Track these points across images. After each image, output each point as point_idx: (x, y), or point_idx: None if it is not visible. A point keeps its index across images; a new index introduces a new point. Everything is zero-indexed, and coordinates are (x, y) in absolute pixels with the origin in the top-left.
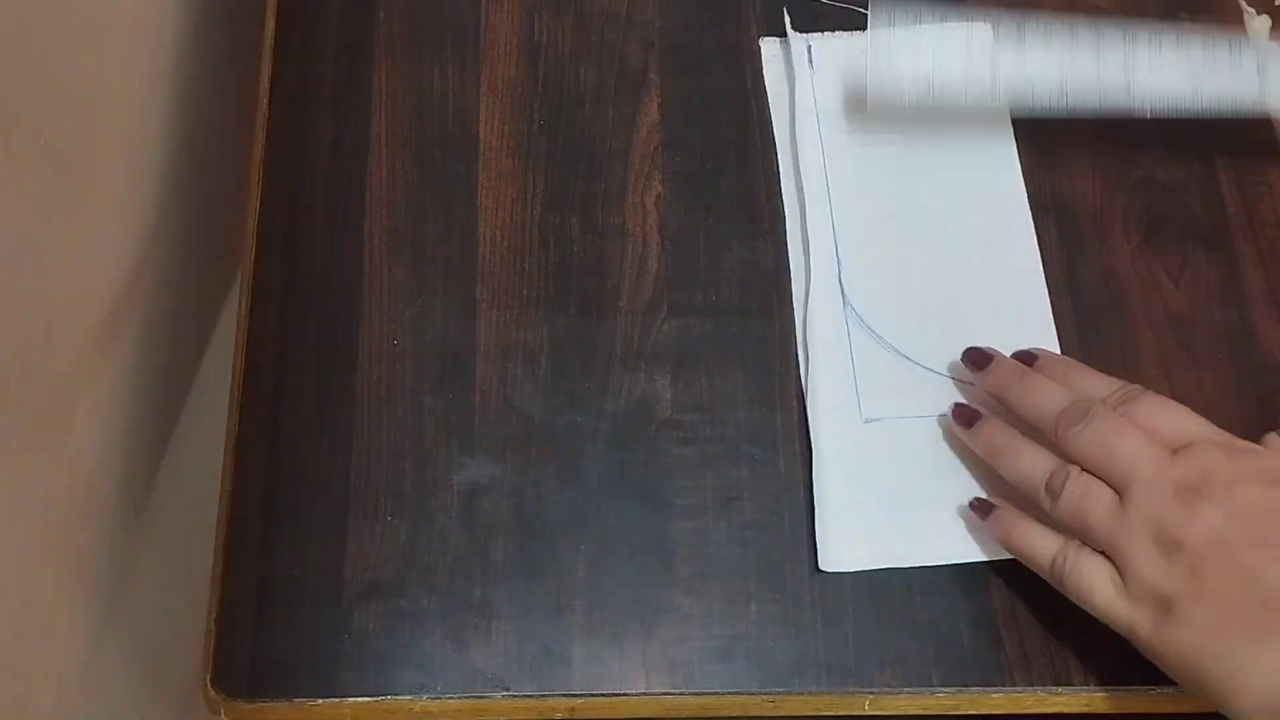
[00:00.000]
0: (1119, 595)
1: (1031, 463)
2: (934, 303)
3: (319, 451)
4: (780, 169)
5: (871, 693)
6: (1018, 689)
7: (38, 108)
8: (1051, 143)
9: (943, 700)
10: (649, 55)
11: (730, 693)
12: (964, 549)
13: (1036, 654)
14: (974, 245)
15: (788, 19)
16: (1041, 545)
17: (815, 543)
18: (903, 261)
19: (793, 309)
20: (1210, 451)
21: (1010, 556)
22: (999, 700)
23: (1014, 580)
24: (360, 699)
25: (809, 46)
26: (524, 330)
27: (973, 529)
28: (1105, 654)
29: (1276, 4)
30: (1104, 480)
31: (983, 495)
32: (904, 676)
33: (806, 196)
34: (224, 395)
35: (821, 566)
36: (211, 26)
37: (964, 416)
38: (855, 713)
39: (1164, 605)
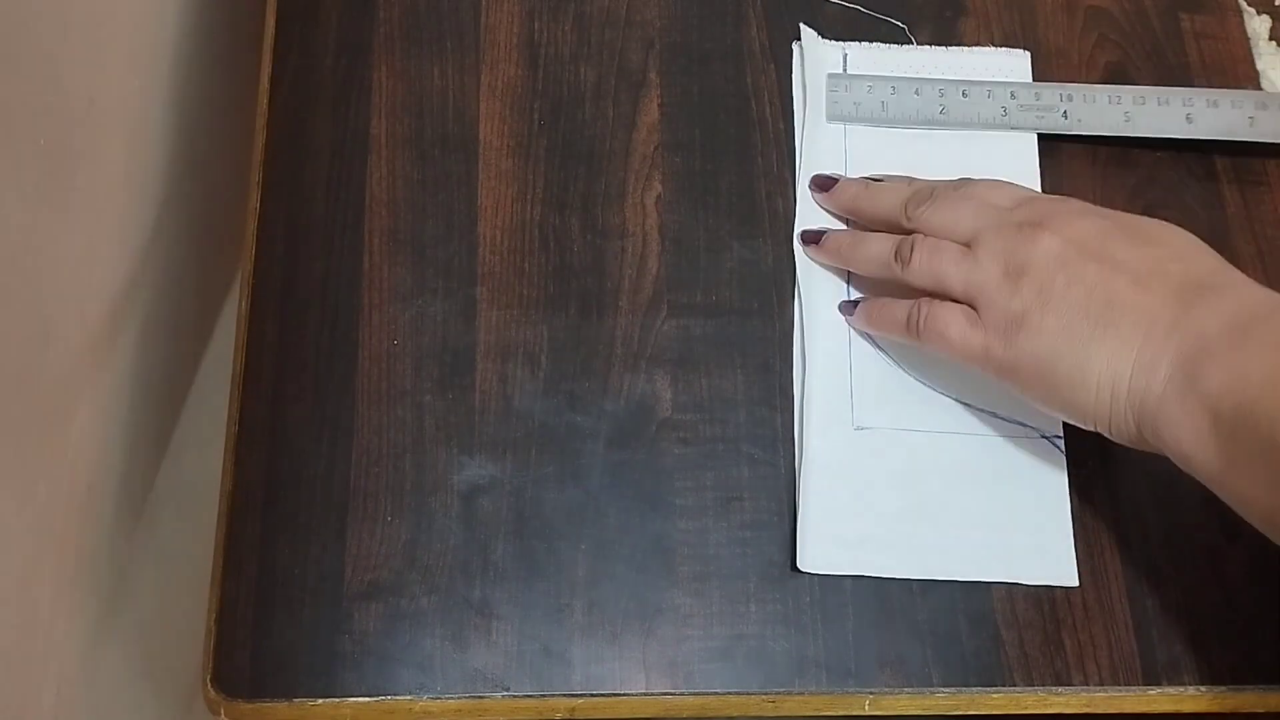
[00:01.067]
0: (973, 326)
1: (878, 244)
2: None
3: (319, 452)
4: (796, 171)
5: (871, 693)
6: (1018, 689)
7: (38, 108)
8: (1052, 142)
9: (943, 700)
10: (649, 55)
11: (730, 693)
12: (942, 567)
13: (1036, 654)
14: None
15: (803, 29)
16: (898, 309)
17: (794, 542)
18: None
19: (793, 309)
20: (1043, 200)
21: (1007, 580)
22: (999, 700)
23: (1014, 581)
24: (360, 699)
25: (845, 55)
26: (524, 330)
27: (953, 548)
28: (1105, 654)
29: (1277, 4)
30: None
31: (967, 516)
32: (904, 676)
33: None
34: (224, 395)
35: (799, 566)
36: (211, 26)
37: (810, 237)
38: (855, 713)
39: (1016, 321)
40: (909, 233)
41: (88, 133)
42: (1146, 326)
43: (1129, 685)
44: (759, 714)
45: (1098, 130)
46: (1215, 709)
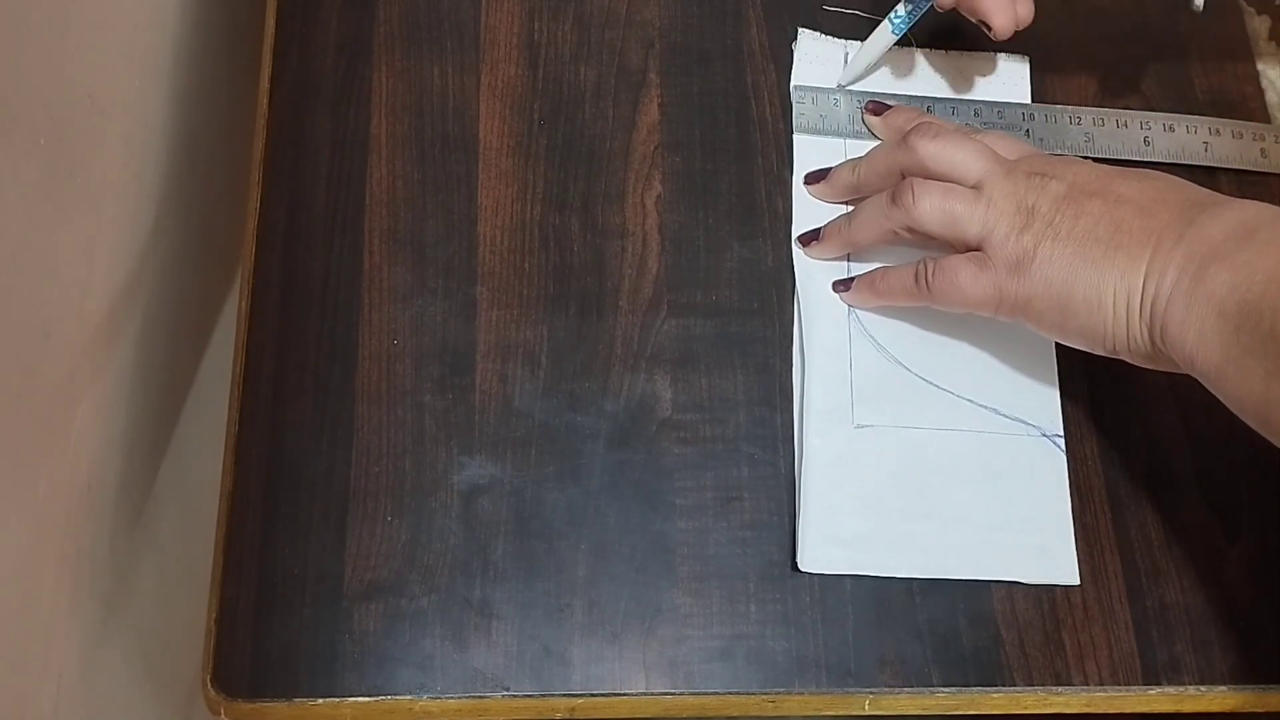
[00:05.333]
0: (982, 268)
1: (874, 201)
2: (939, 316)
3: (319, 451)
4: (795, 171)
5: (871, 693)
6: (1018, 689)
7: (38, 108)
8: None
9: (943, 700)
10: (649, 55)
11: (730, 693)
12: (943, 566)
13: (1036, 654)
14: None
15: (801, 32)
16: (904, 272)
17: (795, 542)
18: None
19: (793, 309)
20: (1043, 154)
21: (1008, 579)
22: (999, 700)
23: (1014, 580)
24: (360, 699)
25: (846, 53)
26: (524, 330)
27: (954, 547)
28: (1105, 654)
29: (1277, 4)
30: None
31: (968, 515)
32: (904, 676)
33: (822, 204)
34: (224, 395)
35: (800, 566)
36: (211, 26)
37: (807, 237)
38: (855, 713)
39: (1027, 256)
40: (910, 163)
41: (87, 131)
42: (1155, 240)
43: (1129, 685)
44: (759, 714)
45: (1053, 148)
46: (1215, 709)
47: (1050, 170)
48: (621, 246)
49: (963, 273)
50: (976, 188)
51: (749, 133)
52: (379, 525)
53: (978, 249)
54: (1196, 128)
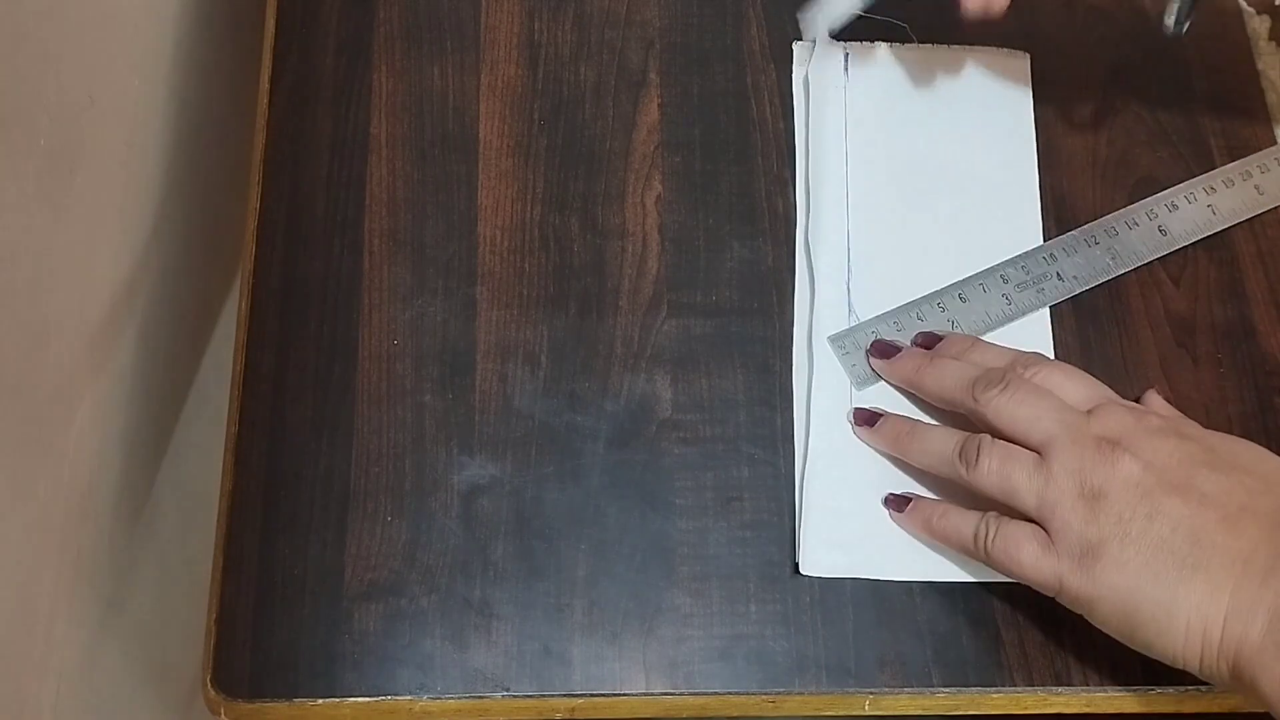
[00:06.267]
0: (1046, 552)
1: (941, 440)
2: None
3: (319, 452)
4: (797, 171)
5: (871, 693)
6: (1018, 689)
7: (38, 108)
8: (1052, 142)
9: (943, 700)
10: (649, 55)
11: (730, 693)
12: (944, 569)
13: (1036, 654)
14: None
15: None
16: (964, 523)
17: (795, 545)
18: (913, 278)
19: (793, 309)
20: (1120, 411)
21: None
22: (999, 700)
23: (1014, 581)
24: (360, 699)
25: (846, 54)
26: (524, 330)
27: (952, 550)
28: (1105, 654)
29: (1277, 4)
30: (1019, 444)
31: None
32: (904, 676)
33: (823, 202)
34: (224, 395)
35: (801, 570)
36: (211, 26)
37: (864, 417)
38: (855, 713)
39: (1093, 551)
40: (974, 414)
41: (87, 132)
42: (1240, 570)
43: (1129, 685)
44: (759, 714)
45: (1091, 282)
46: (1215, 709)
47: (1124, 438)
48: (621, 246)
49: (1025, 550)
50: (1041, 451)
51: (749, 133)
52: (379, 525)
53: (1039, 524)
54: (1195, 194)
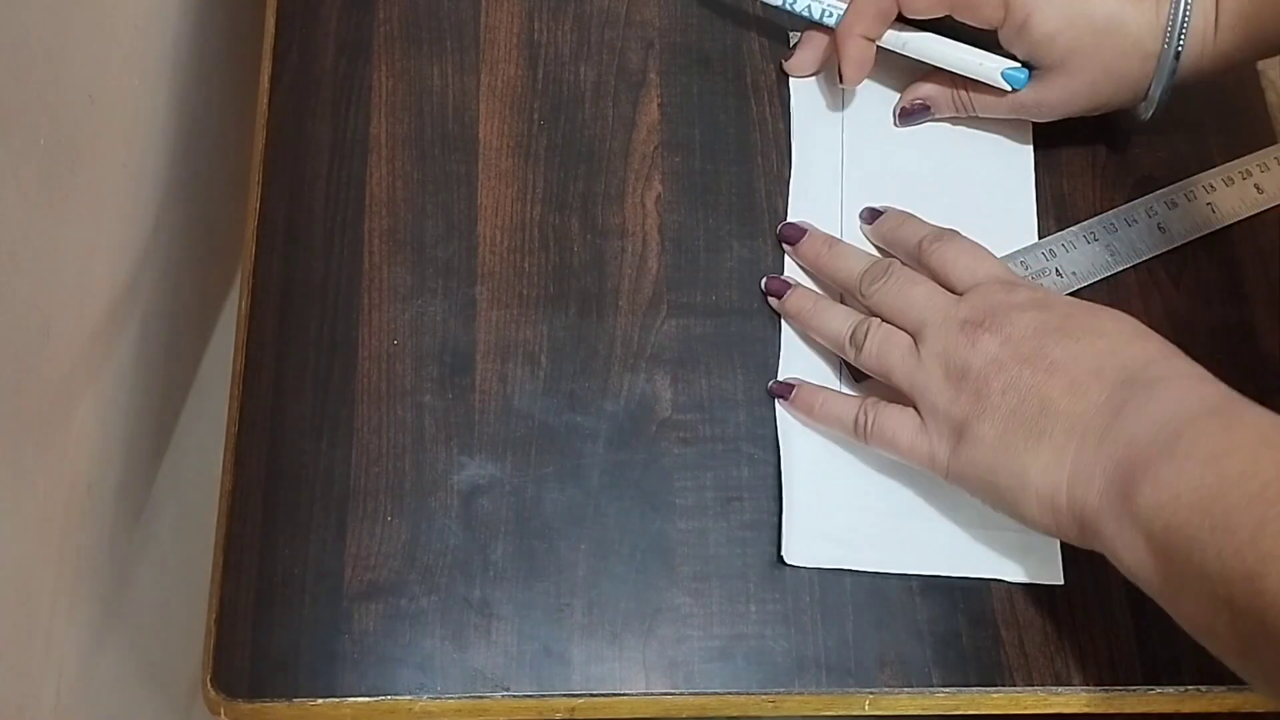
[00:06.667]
0: (920, 433)
1: (836, 319)
2: None
3: (319, 451)
4: (792, 166)
5: (871, 693)
6: (1018, 689)
7: (38, 108)
8: (1052, 142)
9: (943, 700)
10: (649, 55)
11: (730, 693)
12: (927, 562)
13: (1036, 654)
14: None
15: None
16: (843, 408)
17: (781, 535)
18: None
19: None
20: (992, 289)
21: (991, 577)
22: (999, 700)
23: (997, 578)
24: (360, 699)
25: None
26: (524, 330)
27: (939, 543)
28: (1105, 654)
29: None
30: (901, 329)
31: (954, 512)
32: (904, 676)
33: (816, 196)
34: (224, 395)
35: (785, 559)
36: (211, 26)
37: (775, 287)
38: (855, 713)
39: (958, 431)
40: (864, 305)
41: (87, 132)
42: (1080, 434)
43: (1129, 685)
44: (759, 714)
45: (1090, 278)
46: (1215, 709)
47: (986, 318)
48: (621, 246)
49: (901, 434)
50: (916, 334)
51: (749, 133)
52: (379, 525)
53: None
54: (1194, 192)
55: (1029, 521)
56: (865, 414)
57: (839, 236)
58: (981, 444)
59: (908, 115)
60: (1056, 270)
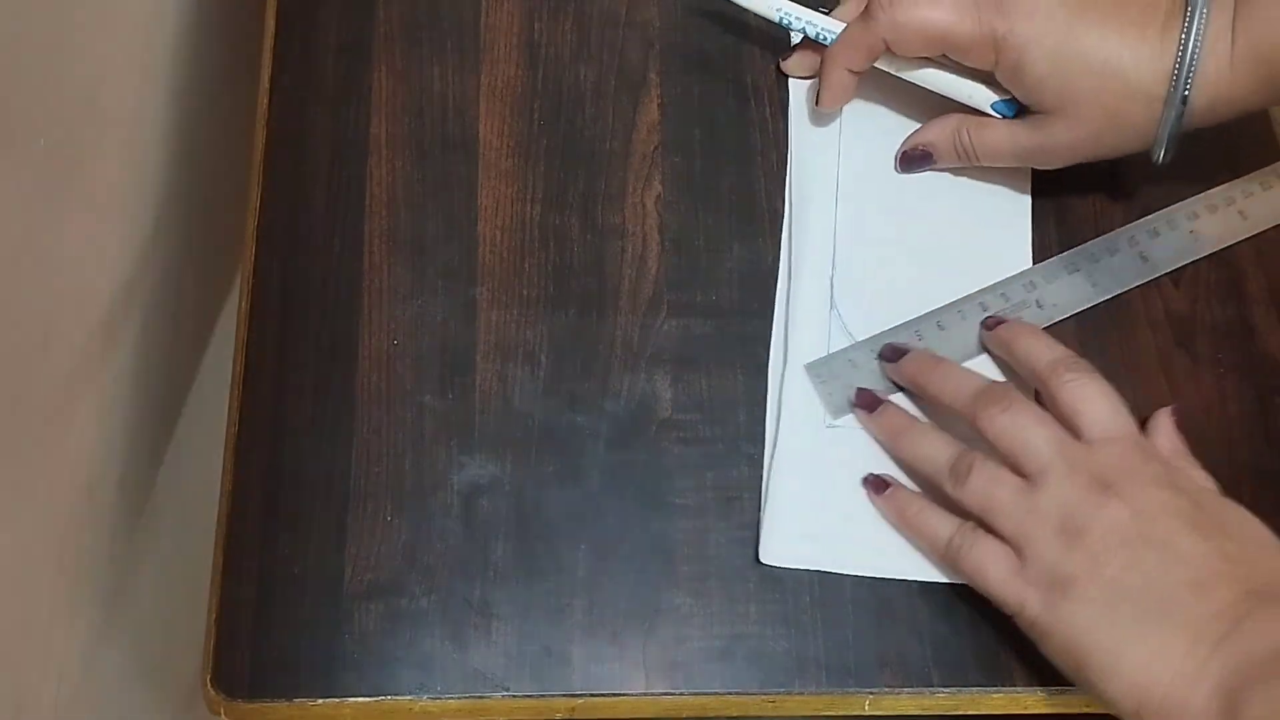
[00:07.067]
0: (1013, 574)
1: (934, 446)
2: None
3: (319, 451)
4: (790, 164)
5: (871, 693)
6: (1018, 689)
7: (38, 108)
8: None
9: (943, 700)
10: (649, 55)
11: (730, 693)
12: (908, 566)
13: (1036, 654)
14: (972, 277)
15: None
16: (939, 525)
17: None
18: (897, 277)
19: (788, 306)
20: (1128, 451)
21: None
22: (999, 700)
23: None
24: (360, 699)
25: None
26: (524, 330)
27: (917, 549)
28: None
29: None
30: (1013, 466)
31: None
32: (904, 676)
33: (812, 195)
34: (224, 395)
35: (761, 559)
36: (211, 26)
37: (866, 400)
38: (855, 713)
39: (1061, 585)
40: (974, 427)
41: (87, 132)
42: (1194, 635)
43: None
44: (759, 714)
45: (1071, 310)
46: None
47: (1118, 481)
48: (621, 246)
49: (994, 569)
50: (1033, 478)
51: (749, 133)
52: (379, 525)
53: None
54: (1177, 220)
55: (1106, 700)
56: (964, 537)
57: (832, 240)
58: (1086, 609)
59: (909, 161)
60: (1037, 302)
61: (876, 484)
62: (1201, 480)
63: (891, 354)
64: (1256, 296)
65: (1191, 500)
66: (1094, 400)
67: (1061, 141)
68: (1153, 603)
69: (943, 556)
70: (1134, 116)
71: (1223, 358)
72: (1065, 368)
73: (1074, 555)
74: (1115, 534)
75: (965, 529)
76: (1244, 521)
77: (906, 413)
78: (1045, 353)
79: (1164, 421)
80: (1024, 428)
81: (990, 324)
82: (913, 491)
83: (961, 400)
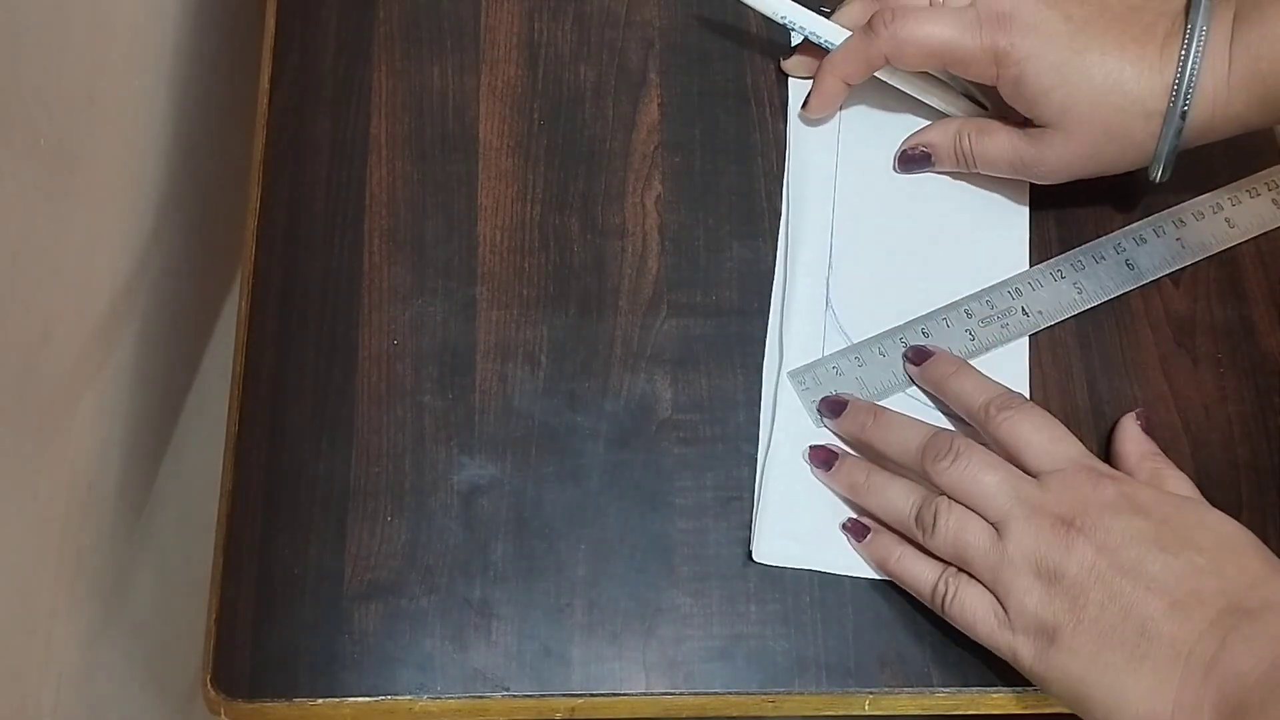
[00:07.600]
0: (1001, 626)
1: (897, 495)
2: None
3: (319, 451)
4: (788, 164)
5: (871, 693)
6: (1018, 689)
7: (38, 108)
8: None
9: (943, 700)
10: (649, 55)
11: (730, 693)
12: None
13: None
14: (968, 279)
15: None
16: (921, 573)
17: (752, 532)
18: (893, 277)
19: (784, 305)
20: (1078, 480)
21: None
22: (999, 700)
23: None
24: (360, 699)
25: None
26: (524, 330)
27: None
28: None
29: None
30: (975, 512)
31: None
32: (904, 676)
33: (809, 194)
34: (224, 395)
35: (754, 557)
36: (211, 26)
37: (821, 458)
38: (855, 713)
39: (1047, 634)
40: (926, 480)
41: (87, 131)
42: (1183, 663)
43: None
44: (759, 714)
45: (1057, 317)
46: None
47: (1078, 517)
48: (621, 246)
49: (981, 620)
50: (997, 524)
51: (749, 133)
52: (379, 525)
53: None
54: (1163, 228)
55: None
56: (946, 585)
57: (829, 239)
58: (1077, 656)
59: (908, 162)
60: (1023, 309)
61: (857, 529)
62: (1173, 483)
63: (830, 409)
64: (1256, 296)
65: (1153, 520)
66: (1031, 434)
67: (1060, 155)
68: (1136, 637)
69: (930, 603)
70: (1133, 132)
71: (1223, 357)
72: (997, 407)
73: (1054, 601)
74: (1088, 573)
75: (948, 575)
76: (1211, 525)
77: (863, 462)
78: (976, 394)
79: (1129, 427)
80: (975, 479)
81: (914, 358)
82: (893, 536)
83: (909, 455)
